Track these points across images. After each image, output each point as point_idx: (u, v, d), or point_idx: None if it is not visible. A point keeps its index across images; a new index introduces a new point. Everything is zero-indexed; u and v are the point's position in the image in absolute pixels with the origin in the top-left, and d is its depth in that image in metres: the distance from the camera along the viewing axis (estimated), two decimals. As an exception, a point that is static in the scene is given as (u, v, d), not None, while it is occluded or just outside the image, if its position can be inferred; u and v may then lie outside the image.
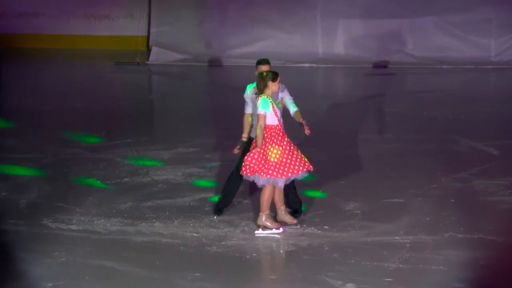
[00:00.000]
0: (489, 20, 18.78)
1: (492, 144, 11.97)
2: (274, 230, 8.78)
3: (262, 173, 8.61)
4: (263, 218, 8.79)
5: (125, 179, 10.53)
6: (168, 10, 19.50)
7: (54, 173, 10.72)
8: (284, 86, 9.01)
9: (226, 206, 9.25)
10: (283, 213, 8.92)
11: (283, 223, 8.87)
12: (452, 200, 9.78)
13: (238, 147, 9.10)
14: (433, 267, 7.96)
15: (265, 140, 8.65)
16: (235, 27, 19.20)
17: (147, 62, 18.90)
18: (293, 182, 8.89)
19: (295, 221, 8.92)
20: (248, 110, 9.10)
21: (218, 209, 9.23)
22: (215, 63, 18.84)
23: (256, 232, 8.79)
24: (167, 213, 9.36)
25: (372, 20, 18.90)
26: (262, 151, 8.63)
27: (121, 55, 19.03)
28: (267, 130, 8.65)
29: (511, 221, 9.10)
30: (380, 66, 18.16)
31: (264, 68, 8.99)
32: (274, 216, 8.90)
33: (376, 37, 18.88)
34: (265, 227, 8.79)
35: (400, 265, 8.01)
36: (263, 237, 8.68)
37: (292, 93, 9.03)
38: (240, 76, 17.77)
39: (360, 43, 18.93)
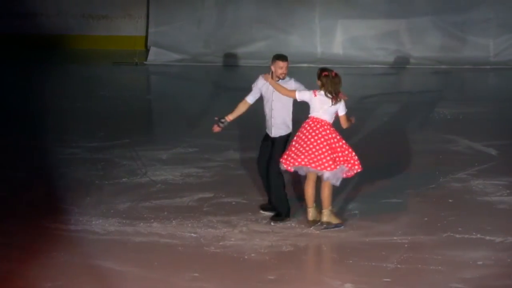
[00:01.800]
0: (488, 20, 18.79)
1: (491, 144, 11.99)
2: (336, 227, 8.82)
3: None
4: (327, 215, 8.84)
5: (123, 179, 10.54)
6: (166, 10, 19.50)
7: (52, 174, 10.72)
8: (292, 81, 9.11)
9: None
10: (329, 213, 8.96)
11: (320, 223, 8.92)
12: (451, 200, 9.80)
13: (218, 125, 9.14)
14: (431, 267, 7.98)
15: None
16: (234, 28, 19.22)
17: (145, 62, 18.90)
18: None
19: (340, 221, 8.95)
20: (250, 99, 9.13)
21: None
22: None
23: (321, 228, 8.83)
24: (165, 213, 9.38)
25: (371, 20, 18.91)
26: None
27: (119, 55, 19.05)
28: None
29: (509, 221, 9.13)
30: None
31: (282, 64, 8.98)
32: (336, 212, 8.97)
33: (375, 37, 18.90)
34: (328, 223, 8.82)
35: (399, 265, 8.03)
36: (261, 237, 8.69)
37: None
38: (239, 76, 17.80)
39: (358, 43, 18.95)
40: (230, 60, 18.80)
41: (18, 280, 7.65)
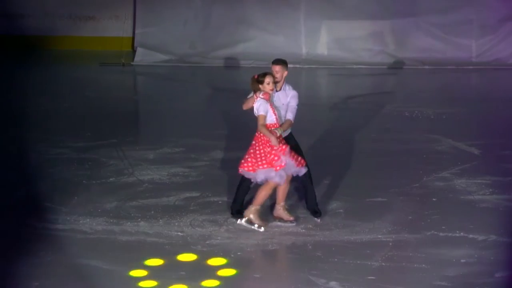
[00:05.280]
0: (470, 21, 18.91)
1: (473, 143, 12.07)
2: (255, 227, 8.87)
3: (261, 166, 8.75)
4: (252, 211, 8.91)
5: (111, 179, 10.58)
6: (153, 11, 19.52)
7: (39, 173, 10.75)
8: (295, 93, 9.08)
9: (242, 207, 9.23)
10: (281, 209, 9.01)
11: (279, 219, 8.97)
12: (434, 199, 9.87)
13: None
14: (415, 265, 8.05)
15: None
16: (219, 28, 19.27)
17: (132, 63, 18.92)
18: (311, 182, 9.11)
19: (291, 218, 9.00)
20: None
21: (238, 211, 9.18)
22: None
23: (238, 221, 8.91)
24: (152, 212, 9.42)
25: (355, 21, 19.00)
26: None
27: (106, 56, 19.05)
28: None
29: (491, 219, 9.21)
30: None
31: (274, 68, 8.98)
32: (262, 213, 9.00)
33: (359, 38, 18.99)
34: (249, 220, 8.90)
35: (383, 263, 8.09)
36: (247, 236, 8.76)
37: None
38: (224, 76, 17.84)
39: (343, 44, 19.03)
40: (216, 61, 18.84)
41: (6, 279, 7.68)
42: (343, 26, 19.03)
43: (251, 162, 8.81)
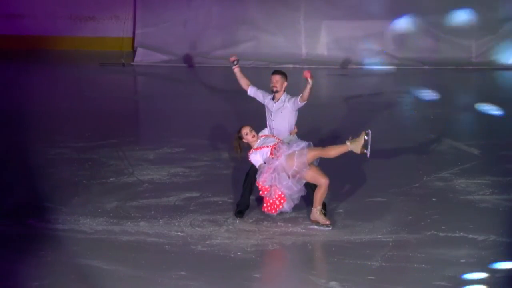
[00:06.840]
0: (470, 21, 18.94)
1: (473, 144, 12.08)
2: (324, 227, 8.96)
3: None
4: (315, 213, 9.01)
5: (111, 179, 10.59)
6: (153, 11, 19.56)
7: (40, 173, 10.75)
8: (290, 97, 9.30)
9: (247, 207, 9.29)
10: (317, 213, 9.02)
11: (315, 222, 9.01)
12: (434, 199, 9.88)
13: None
14: (415, 265, 8.06)
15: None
16: (219, 29, 19.29)
17: (132, 63, 18.95)
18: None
19: (327, 222, 9.01)
20: (251, 89, 9.55)
21: (240, 212, 9.25)
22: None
23: (310, 227, 9.00)
24: (152, 212, 9.43)
25: (355, 21, 19.03)
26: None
27: (106, 56, 19.07)
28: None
29: (491, 219, 9.22)
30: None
31: (274, 77, 9.29)
32: (325, 213, 9.09)
33: (359, 38, 19.01)
34: (316, 222, 8.99)
35: (383, 263, 8.10)
36: (247, 236, 8.77)
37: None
38: (224, 77, 17.85)
39: (343, 44, 19.05)
40: (216, 61, 18.85)
41: (6, 279, 7.68)
42: (343, 26, 19.06)
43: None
